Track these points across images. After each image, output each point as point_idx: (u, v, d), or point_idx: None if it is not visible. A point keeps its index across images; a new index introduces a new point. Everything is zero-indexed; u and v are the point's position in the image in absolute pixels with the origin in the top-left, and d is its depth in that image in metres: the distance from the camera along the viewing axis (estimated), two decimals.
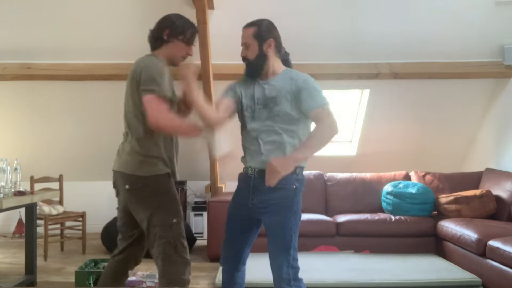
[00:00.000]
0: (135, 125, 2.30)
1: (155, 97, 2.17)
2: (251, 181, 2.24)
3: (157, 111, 2.15)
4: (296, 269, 2.17)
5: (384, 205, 4.58)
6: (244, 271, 2.40)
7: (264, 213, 2.21)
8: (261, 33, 2.23)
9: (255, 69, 2.26)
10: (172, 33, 2.36)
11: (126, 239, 2.48)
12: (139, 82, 2.21)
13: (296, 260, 2.18)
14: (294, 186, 2.16)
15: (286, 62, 2.33)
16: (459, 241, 3.73)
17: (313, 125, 2.22)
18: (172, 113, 2.26)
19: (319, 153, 5.96)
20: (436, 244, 4.21)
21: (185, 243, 2.33)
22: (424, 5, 4.16)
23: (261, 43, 2.22)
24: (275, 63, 2.26)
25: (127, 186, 2.30)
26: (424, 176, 4.82)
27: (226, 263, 2.35)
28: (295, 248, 2.17)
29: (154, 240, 2.28)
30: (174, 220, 2.28)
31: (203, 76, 4.38)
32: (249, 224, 2.28)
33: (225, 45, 4.40)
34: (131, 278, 3.46)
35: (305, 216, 4.33)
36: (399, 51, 4.53)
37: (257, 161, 2.23)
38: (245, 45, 2.27)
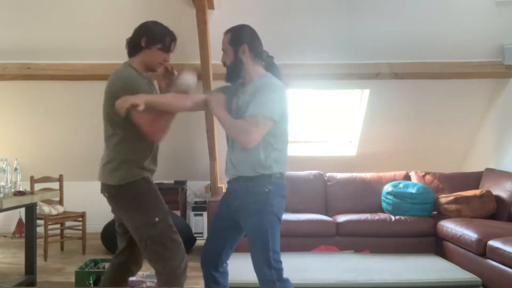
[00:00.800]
0: (109, 133, 2.33)
1: (138, 113, 2.16)
2: (231, 185, 2.33)
3: (148, 127, 2.21)
4: (279, 270, 2.19)
5: (384, 205, 4.58)
6: (226, 274, 2.41)
7: (241, 217, 2.26)
8: (235, 39, 2.28)
9: (232, 74, 2.30)
10: (150, 40, 2.36)
11: (123, 239, 2.50)
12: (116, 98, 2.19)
13: (278, 261, 2.19)
14: (267, 189, 2.19)
15: (270, 66, 2.33)
16: (459, 241, 3.73)
17: (279, 129, 2.21)
18: (155, 118, 2.23)
19: (319, 153, 5.93)
20: (436, 244, 4.21)
21: (175, 237, 2.33)
22: (424, 5, 4.16)
23: (236, 49, 2.26)
24: (252, 69, 2.27)
25: (106, 194, 2.35)
26: (424, 176, 4.82)
27: (205, 259, 2.37)
28: (275, 251, 2.18)
29: (141, 241, 2.31)
30: (156, 219, 2.30)
31: (203, 76, 4.38)
32: (231, 225, 2.32)
33: None
34: (131, 278, 3.46)
35: (305, 216, 4.34)
36: (399, 51, 4.53)
37: (229, 170, 2.31)
38: (223, 51, 2.33)
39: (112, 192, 2.31)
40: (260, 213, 2.19)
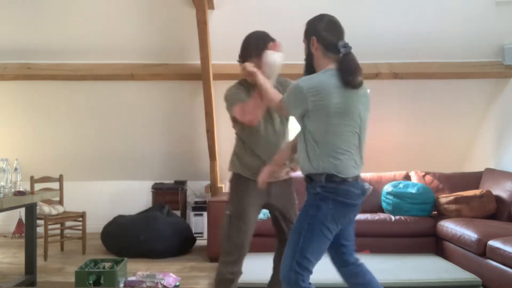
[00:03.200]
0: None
1: (233, 110, 2.47)
2: None
3: (242, 114, 2.43)
4: (297, 274, 2.08)
5: (384, 205, 4.58)
6: (359, 272, 2.29)
7: None
8: (307, 32, 2.24)
9: (307, 70, 2.25)
10: (244, 55, 2.51)
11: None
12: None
13: (302, 266, 2.09)
14: (315, 192, 2.10)
15: (346, 56, 2.19)
16: (459, 241, 3.73)
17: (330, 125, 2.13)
18: (248, 105, 2.44)
19: None
20: (436, 244, 4.21)
21: (234, 234, 2.53)
22: (424, 5, 4.16)
23: (308, 42, 2.23)
24: (322, 62, 2.20)
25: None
26: (424, 176, 4.82)
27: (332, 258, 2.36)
28: (303, 255, 2.08)
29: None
30: (227, 212, 2.55)
31: (203, 76, 4.38)
32: None
33: (225, 45, 4.40)
34: (131, 278, 3.47)
35: None
36: (399, 51, 4.53)
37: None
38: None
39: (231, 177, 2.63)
40: (302, 213, 2.14)
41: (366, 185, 2.21)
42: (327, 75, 2.14)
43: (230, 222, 2.52)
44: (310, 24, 2.25)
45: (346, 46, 2.19)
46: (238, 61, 2.54)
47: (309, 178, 2.15)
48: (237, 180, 2.56)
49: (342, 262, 2.31)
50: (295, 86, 2.13)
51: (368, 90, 2.45)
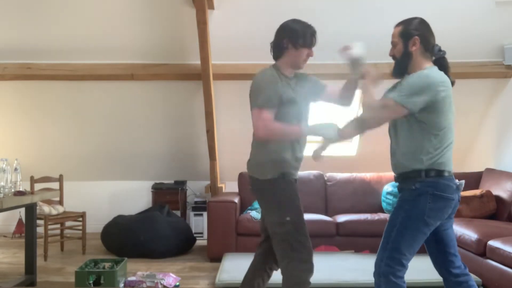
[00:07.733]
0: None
1: (256, 111, 2.29)
2: None
3: (259, 126, 2.27)
4: (389, 267, 2.15)
5: (384, 205, 4.58)
6: (466, 276, 2.30)
7: None
8: (407, 31, 2.24)
9: (399, 67, 2.28)
10: (292, 40, 2.41)
11: (263, 231, 2.58)
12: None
13: (393, 258, 2.15)
14: (413, 187, 2.18)
15: (440, 60, 2.29)
16: (459, 241, 3.72)
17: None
18: (274, 123, 2.30)
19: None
20: None
21: (303, 240, 2.37)
22: (424, 5, 4.16)
23: (406, 42, 2.24)
24: (419, 62, 2.23)
25: (249, 187, 2.49)
26: None
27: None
28: (395, 247, 2.18)
29: (272, 237, 2.40)
30: (288, 219, 2.35)
31: (203, 76, 4.38)
32: None
33: (225, 45, 4.40)
34: (131, 278, 3.47)
35: (305, 216, 4.33)
36: None
37: None
38: (392, 44, 2.31)
39: (255, 185, 2.43)
40: (399, 207, 2.25)
41: (458, 181, 2.24)
42: (440, 72, 2.21)
43: (296, 228, 2.36)
44: (410, 24, 2.27)
45: (441, 49, 2.30)
46: (278, 45, 2.42)
47: (405, 175, 2.18)
48: (282, 183, 2.38)
49: (449, 272, 2.33)
50: (425, 77, 2.13)
51: None
